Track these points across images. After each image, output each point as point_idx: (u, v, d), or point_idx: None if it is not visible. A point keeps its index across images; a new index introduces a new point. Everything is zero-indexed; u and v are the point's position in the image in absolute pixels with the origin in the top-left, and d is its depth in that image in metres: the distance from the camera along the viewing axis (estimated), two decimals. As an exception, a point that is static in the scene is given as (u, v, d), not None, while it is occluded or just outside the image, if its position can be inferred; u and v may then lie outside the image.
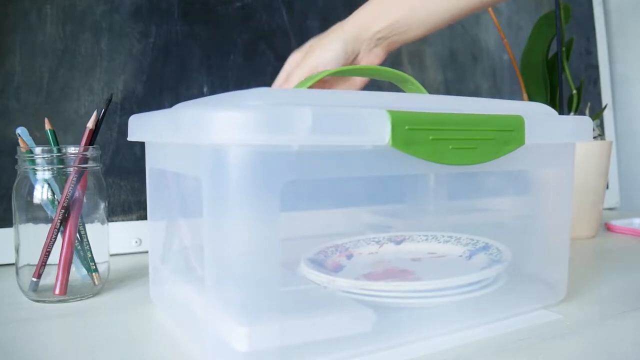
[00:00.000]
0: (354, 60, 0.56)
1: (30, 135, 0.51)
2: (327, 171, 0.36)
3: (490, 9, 0.84)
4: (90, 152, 0.51)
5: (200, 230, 0.35)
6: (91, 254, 0.52)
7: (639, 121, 1.25)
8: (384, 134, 0.35)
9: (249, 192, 0.33)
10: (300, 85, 0.49)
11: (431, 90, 1.00)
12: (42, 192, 0.50)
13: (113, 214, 0.71)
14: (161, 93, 0.75)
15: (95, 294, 0.53)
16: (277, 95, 0.37)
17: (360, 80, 0.60)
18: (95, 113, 0.52)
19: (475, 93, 1.06)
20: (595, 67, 1.26)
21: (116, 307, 0.49)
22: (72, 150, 0.51)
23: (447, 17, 0.57)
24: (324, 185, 0.48)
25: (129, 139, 0.48)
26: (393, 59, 0.95)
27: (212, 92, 0.78)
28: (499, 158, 0.42)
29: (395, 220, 0.63)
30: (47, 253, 0.50)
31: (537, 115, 0.46)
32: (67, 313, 0.47)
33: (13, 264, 0.52)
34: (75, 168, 0.50)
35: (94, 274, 0.52)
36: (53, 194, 0.50)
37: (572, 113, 0.87)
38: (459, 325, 0.43)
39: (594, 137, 0.84)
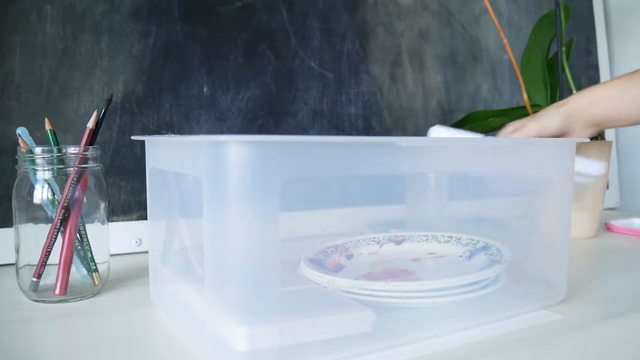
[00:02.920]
0: (565, 134, 0.63)
1: (30, 135, 0.51)
2: (327, 170, 0.36)
3: (490, 9, 0.84)
4: (90, 152, 0.51)
5: (200, 230, 0.35)
6: (91, 254, 0.52)
7: (639, 121, 1.25)
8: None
9: (249, 191, 0.33)
10: None
11: (431, 90, 1.00)
12: (42, 192, 0.50)
13: (113, 214, 0.71)
14: (161, 93, 0.75)
15: (95, 294, 0.53)
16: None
17: None
18: (95, 113, 0.52)
19: (475, 93, 1.06)
20: (595, 67, 1.26)
21: (116, 307, 0.49)
22: (72, 150, 0.51)
23: None
24: (324, 185, 0.48)
25: None
26: (393, 58, 0.95)
27: (212, 92, 0.78)
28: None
29: (395, 220, 0.63)
30: (47, 253, 0.50)
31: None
32: (67, 313, 0.47)
33: (13, 264, 0.52)
34: (75, 168, 0.50)
35: (94, 274, 0.52)
36: (53, 194, 0.50)
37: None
38: (459, 325, 0.43)
39: (594, 137, 0.84)
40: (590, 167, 0.61)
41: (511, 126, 0.64)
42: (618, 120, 0.63)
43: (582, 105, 0.62)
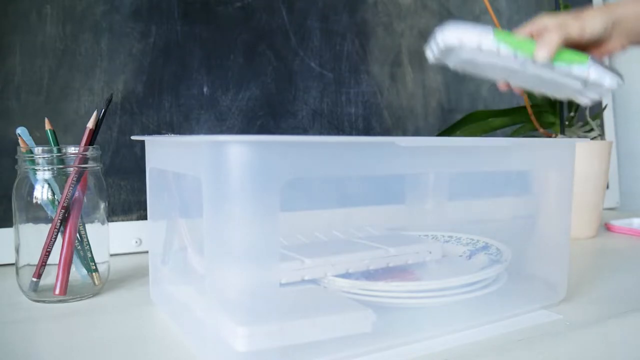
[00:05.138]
0: (602, 42, 0.57)
1: (30, 135, 0.51)
2: (327, 170, 0.36)
3: (490, 9, 0.84)
4: (90, 152, 0.51)
5: (200, 230, 0.35)
6: (91, 254, 0.52)
7: (639, 121, 1.25)
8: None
9: (249, 191, 0.33)
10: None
11: (431, 90, 1.00)
12: (42, 192, 0.50)
13: (113, 214, 0.71)
14: (161, 93, 0.75)
15: (95, 294, 0.53)
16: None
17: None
18: (95, 113, 0.52)
19: (475, 93, 1.06)
20: (595, 67, 1.26)
21: (116, 307, 0.49)
22: (72, 150, 0.51)
23: None
24: (324, 185, 0.48)
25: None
26: (393, 58, 0.95)
27: (212, 92, 0.78)
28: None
29: (395, 220, 0.63)
30: (47, 253, 0.50)
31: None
32: (67, 313, 0.47)
33: (13, 264, 0.52)
34: (75, 168, 0.50)
35: (94, 274, 0.52)
36: (53, 194, 0.50)
37: (571, 113, 0.87)
38: (459, 325, 0.43)
39: (594, 137, 0.84)
40: (605, 77, 0.52)
41: (546, 20, 0.56)
42: None
43: (628, 15, 0.58)
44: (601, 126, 1.22)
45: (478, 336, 0.42)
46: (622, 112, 1.28)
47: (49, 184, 0.50)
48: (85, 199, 0.52)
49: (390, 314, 0.42)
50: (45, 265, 0.50)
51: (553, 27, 0.54)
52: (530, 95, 0.87)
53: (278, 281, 0.35)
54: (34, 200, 0.50)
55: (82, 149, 0.51)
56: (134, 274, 0.60)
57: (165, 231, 0.49)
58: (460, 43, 0.50)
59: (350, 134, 0.90)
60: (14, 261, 0.51)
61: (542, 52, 0.51)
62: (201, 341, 0.38)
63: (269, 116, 0.82)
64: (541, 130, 0.86)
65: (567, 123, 0.86)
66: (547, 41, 0.52)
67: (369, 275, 0.48)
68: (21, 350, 0.40)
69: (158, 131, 0.75)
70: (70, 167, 0.50)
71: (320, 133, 0.87)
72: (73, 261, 0.51)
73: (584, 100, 0.56)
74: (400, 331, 0.40)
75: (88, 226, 0.52)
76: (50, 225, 0.50)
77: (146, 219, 0.53)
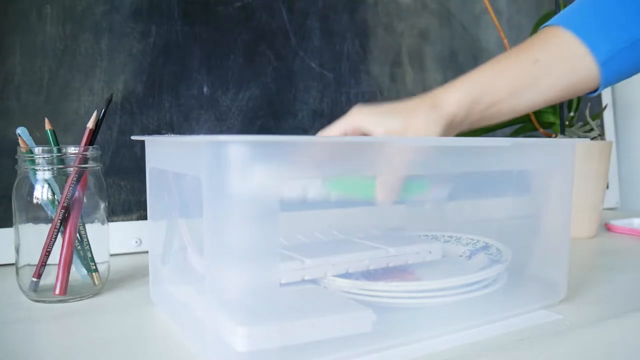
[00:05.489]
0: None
1: (30, 135, 0.51)
2: (327, 170, 0.36)
3: (490, 9, 0.84)
4: (90, 152, 0.51)
5: (200, 230, 0.35)
6: (91, 254, 0.52)
7: (639, 121, 1.25)
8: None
9: (249, 191, 0.33)
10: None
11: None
12: (42, 192, 0.50)
13: (113, 214, 0.71)
14: (161, 93, 0.75)
15: (95, 294, 0.53)
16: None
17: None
18: (95, 113, 0.52)
19: (475, 93, 1.06)
20: (595, 67, 1.26)
21: (116, 307, 0.49)
22: (72, 150, 0.51)
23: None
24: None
25: None
26: (393, 58, 0.95)
27: (212, 92, 0.78)
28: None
29: (395, 220, 0.63)
30: (47, 253, 0.50)
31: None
32: (67, 313, 0.47)
33: (13, 264, 0.52)
34: (75, 168, 0.50)
35: (94, 274, 0.52)
36: (53, 194, 0.50)
37: (571, 113, 0.87)
38: (459, 325, 0.43)
39: (594, 137, 0.84)
40: (441, 194, 0.46)
41: (369, 125, 0.45)
42: (500, 113, 0.48)
43: (466, 104, 0.47)
44: (601, 126, 1.22)
45: (478, 336, 0.42)
46: (622, 112, 1.28)
47: (49, 184, 0.50)
48: (85, 199, 0.52)
49: (390, 314, 0.42)
50: (45, 265, 0.50)
51: (396, 165, 0.40)
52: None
53: (278, 281, 0.35)
54: (34, 200, 0.50)
55: (82, 149, 0.51)
56: (134, 274, 0.60)
57: (165, 231, 0.49)
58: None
59: (350, 134, 0.90)
60: (14, 261, 0.51)
61: (385, 198, 0.43)
62: (201, 341, 0.38)
63: (269, 116, 0.82)
64: (541, 130, 0.86)
65: (567, 123, 0.86)
66: (390, 187, 0.43)
67: (369, 275, 0.48)
68: (21, 350, 0.40)
69: (158, 131, 0.75)
70: (70, 167, 0.50)
71: (320, 133, 0.87)
72: (73, 261, 0.51)
73: None
74: (400, 331, 0.40)
75: (88, 226, 0.52)
76: (50, 225, 0.50)
77: (146, 219, 0.53)
